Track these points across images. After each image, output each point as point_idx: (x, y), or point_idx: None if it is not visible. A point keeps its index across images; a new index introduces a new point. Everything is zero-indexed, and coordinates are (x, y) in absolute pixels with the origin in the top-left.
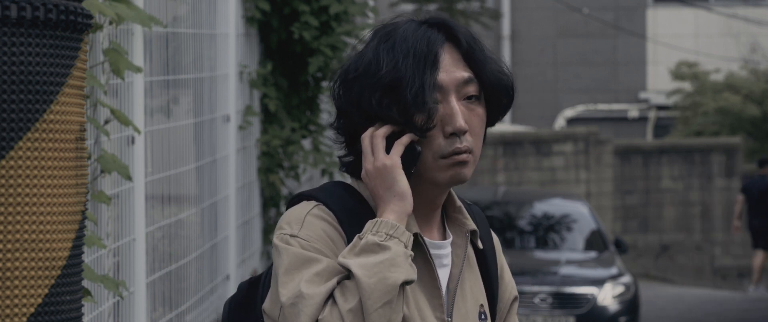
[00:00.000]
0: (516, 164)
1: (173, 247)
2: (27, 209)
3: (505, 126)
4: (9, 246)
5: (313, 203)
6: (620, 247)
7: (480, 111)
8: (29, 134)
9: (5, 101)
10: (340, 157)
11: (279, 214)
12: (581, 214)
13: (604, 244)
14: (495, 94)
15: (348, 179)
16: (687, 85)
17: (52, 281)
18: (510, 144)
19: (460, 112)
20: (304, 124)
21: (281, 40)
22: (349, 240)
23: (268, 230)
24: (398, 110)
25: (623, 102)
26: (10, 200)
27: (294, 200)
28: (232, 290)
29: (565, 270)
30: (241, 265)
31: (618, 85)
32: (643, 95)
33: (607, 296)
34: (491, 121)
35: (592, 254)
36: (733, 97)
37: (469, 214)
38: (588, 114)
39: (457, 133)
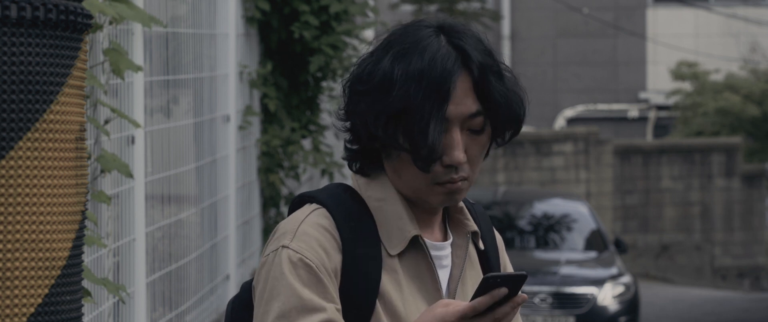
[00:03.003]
0: (516, 164)
1: (173, 247)
2: (27, 209)
3: None
4: (9, 246)
5: (313, 206)
6: (620, 247)
7: (483, 139)
8: (29, 134)
9: (5, 101)
10: (345, 142)
11: (279, 214)
12: (581, 214)
13: (604, 244)
14: (502, 124)
15: (348, 180)
16: (687, 85)
17: (52, 281)
18: (510, 144)
19: (461, 145)
20: (304, 124)
21: (281, 39)
22: (345, 246)
23: (268, 229)
24: (403, 137)
25: (623, 102)
26: (10, 200)
27: (295, 201)
28: (232, 290)
29: (565, 270)
30: (241, 265)
31: (618, 85)
32: (643, 95)
33: (607, 296)
34: (496, 143)
35: (592, 254)
36: (733, 97)
37: (471, 214)
38: (588, 114)
39: (454, 165)
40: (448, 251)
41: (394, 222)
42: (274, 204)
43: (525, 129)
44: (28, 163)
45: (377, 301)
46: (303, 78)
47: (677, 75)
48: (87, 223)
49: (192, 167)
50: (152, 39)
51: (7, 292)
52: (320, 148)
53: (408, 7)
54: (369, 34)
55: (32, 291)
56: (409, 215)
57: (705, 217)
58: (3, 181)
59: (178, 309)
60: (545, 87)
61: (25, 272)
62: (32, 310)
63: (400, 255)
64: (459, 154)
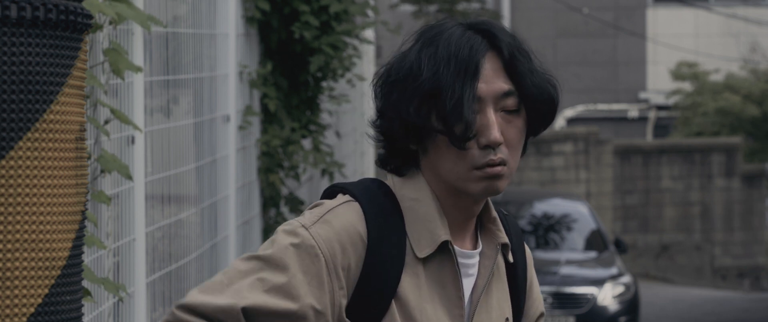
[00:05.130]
0: None
1: (173, 247)
2: (27, 209)
3: None
4: (9, 246)
5: (347, 197)
6: (620, 247)
7: (519, 123)
8: (29, 134)
9: (5, 101)
10: (378, 145)
11: (279, 214)
12: (581, 214)
13: (604, 244)
14: (536, 106)
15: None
16: (687, 86)
17: (52, 281)
18: None
19: (496, 124)
20: (304, 124)
21: (281, 39)
22: (371, 243)
23: (268, 230)
24: (437, 119)
25: (623, 102)
26: (10, 200)
27: (328, 191)
28: None
29: (565, 270)
30: None
31: (618, 85)
32: (643, 95)
33: (607, 296)
34: (533, 131)
35: (592, 254)
36: (733, 98)
37: (504, 225)
38: (588, 114)
39: (492, 146)
40: (476, 260)
41: (425, 224)
42: (274, 204)
43: None
44: (28, 163)
45: (393, 302)
46: (303, 78)
47: (677, 75)
48: (87, 223)
49: (192, 167)
50: (152, 39)
51: (7, 292)
52: (320, 148)
53: (408, 7)
54: (369, 34)
55: (32, 291)
56: (441, 219)
57: (705, 217)
58: (3, 181)
59: None
60: None
61: (25, 272)
62: (32, 310)
63: (426, 259)
64: (495, 133)
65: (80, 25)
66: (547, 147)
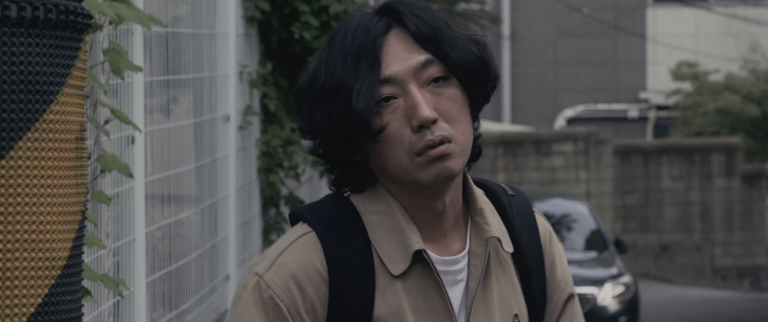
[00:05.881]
0: (516, 164)
1: (173, 247)
2: (27, 209)
3: (505, 126)
4: (9, 246)
5: (303, 228)
6: (620, 247)
7: (452, 92)
8: (29, 134)
9: (5, 101)
10: (328, 174)
11: (279, 214)
12: (581, 214)
13: (604, 244)
14: (469, 71)
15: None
16: (687, 86)
17: (52, 281)
18: (510, 144)
19: (423, 101)
20: None
21: (281, 39)
22: (332, 277)
23: (268, 230)
24: (346, 120)
25: (623, 102)
26: (10, 200)
27: (291, 217)
28: (232, 290)
29: None
30: (241, 265)
31: (618, 85)
32: (643, 95)
33: (607, 296)
34: (477, 99)
35: (592, 254)
36: (733, 98)
37: (506, 209)
38: (588, 114)
39: (425, 125)
40: (462, 264)
41: (394, 237)
42: (274, 204)
43: (525, 129)
44: (28, 163)
45: None
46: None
47: (677, 75)
48: (87, 223)
49: (192, 167)
50: (152, 39)
51: (7, 292)
52: None
53: None
54: None
55: (32, 291)
56: (410, 227)
57: (705, 217)
58: (3, 181)
59: (178, 309)
60: (545, 87)
61: (25, 272)
62: (32, 310)
63: (404, 275)
64: (423, 110)
65: (80, 25)
66: (547, 147)
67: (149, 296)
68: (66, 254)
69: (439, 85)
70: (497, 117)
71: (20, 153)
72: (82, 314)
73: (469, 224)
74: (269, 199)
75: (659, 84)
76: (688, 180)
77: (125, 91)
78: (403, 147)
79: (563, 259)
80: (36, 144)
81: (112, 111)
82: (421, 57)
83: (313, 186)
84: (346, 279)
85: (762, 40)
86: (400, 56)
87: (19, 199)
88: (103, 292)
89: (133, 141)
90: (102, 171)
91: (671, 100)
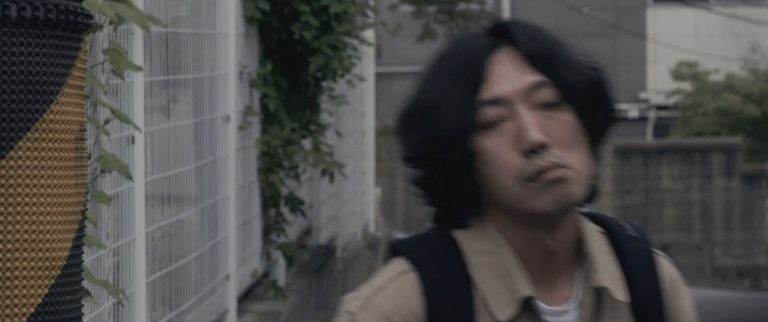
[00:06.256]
0: None
1: (173, 247)
2: (27, 209)
3: None
4: (9, 246)
5: (402, 267)
6: None
7: (565, 117)
8: (29, 134)
9: (5, 101)
10: (431, 212)
11: (279, 214)
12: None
13: None
14: (584, 96)
15: None
16: (687, 86)
17: (52, 281)
18: None
19: (533, 123)
20: (304, 124)
21: (281, 40)
22: (430, 318)
23: (268, 230)
24: (439, 143)
25: (623, 102)
26: (10, 200)
27: (390, 248)
28: (232, 290)
29: None
30: (241, 265)
31: (618, 85)
32: (643, 95)
33: None
34: (595, 128)
35: None
36: (733, 98)
37: (623, 253)
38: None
39: (535, 150)
40: (571, 316)
41: (503, 281)
42: (274, 204)
43: None
44: (28, 163)
45: None
46: (303, 78)
47: (677, 75)
48: (87, 223)
49: (192, 167)
50: (152, 39)
51: (7, 292)
52: (320, 148)
53: (407, 8)
54: (369, 34)
55: (32, 291)
56: (519, 271)
57: (705, 217)
58: (3, 181)
59: (178, 309)
60: None
61: (25, 272)
62: (32, 310)
63: None
64: (533, 133)
65: (80, 25)
66: None
67: (149, 296)
68: (66, 254)
69: (551, 110)
70: None
71: (20, 153)
72: (82, 314)
73: (577, 269)
74: (269, 199)
75: (659, 84)
76: (688, 180)
77: (125, 91)
78: (511, 173)
79: (689, 308)
80: (36, 144)
81: (112, 111)
82: (533, 78)
83: (313, 186)
84: None
85: (762, 40)
86: (509, 75)
87: (19, 199)
88: (103, 292)
89: (133, 141)
90: (102, 171)
91: (671, 100)
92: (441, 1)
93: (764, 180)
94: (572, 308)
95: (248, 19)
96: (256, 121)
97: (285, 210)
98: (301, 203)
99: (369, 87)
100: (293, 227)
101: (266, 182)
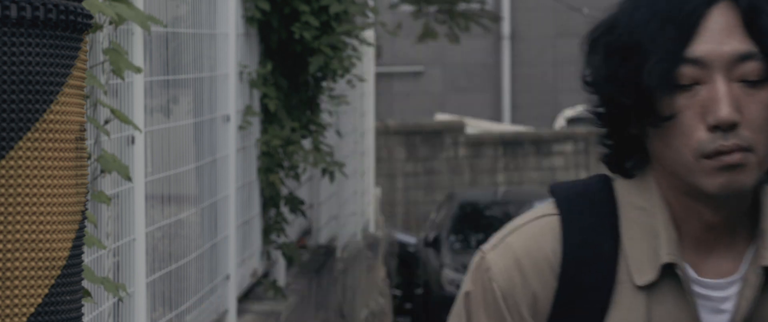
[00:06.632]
0: (516, 164)
1: (173, 247)
2: (27, 209)
3: (505, 126)
4: (9, 246)
5: (547, 209)
6: None
7: (765, 98)
8: (29, 134)
9: (5, 101)
10: (600, 136)
11: (279, 214)
12: None
13: None
14: None
15: None
16: None
17: (52, 281)
18: (510, 144)
19: (728, 98)
20: (304, 124)
21: (281, 40)
22: (565, 270)
23: (268, 230)
24: (631, 91)
25: None
26: (10, 200)
27: (550, 191)
28: (232, 290)
29: None
30: (241, 265)
31: None
32: None
33: None
34: None
35: None
36: None
37: None
38: (588, 114)
39: (721, 127)
40: (730, 291)
41: (648, 241)
42: (274, 204)
43: (525, 129)
44: (28, 163)
45: None
46: (303, 78)
47: None
48: (87, 223)
49: (192, 167)
50: (152, 39)
51: (7, 292)
52: (320, 148)
53: (408, 8)
54: (369, 34)
55: (32, 291)
56: (669, 233)
57: None
58: (3, 181)
59: (178, 309)
60: (545, 87)
61: (25, 272)
62: (32, 310)
63: (651, 288)
64: (725, 109)
65: (80, 25)
66: (547, 147)
67: (149, 296)
68: (66, 254)
69: (752, 88)
70: (497, 117)
71: (20, 153)
72: (82, 314)
73: (751, 245)
74: (269, 199)
75: None
76: None
77: (125, 91)
78: (690, 143)
79: None
80: (36, 144)
81: (112, 111)
82: (742, 48)
83: (313, 186)
84: (581, 276)
85: None
86: (718, 37)
87: (19, 199)
88: (103, 292)
89: (133, 141)
90: (102, 171)
91: None
92: (441, 0)
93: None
94: (732, 282)
95: (248, 19)
96: (256, 121)
97: (285, 210)
98: (301, 202)
99: (369, 87)
100: (293, 227)
101: (266, 182)
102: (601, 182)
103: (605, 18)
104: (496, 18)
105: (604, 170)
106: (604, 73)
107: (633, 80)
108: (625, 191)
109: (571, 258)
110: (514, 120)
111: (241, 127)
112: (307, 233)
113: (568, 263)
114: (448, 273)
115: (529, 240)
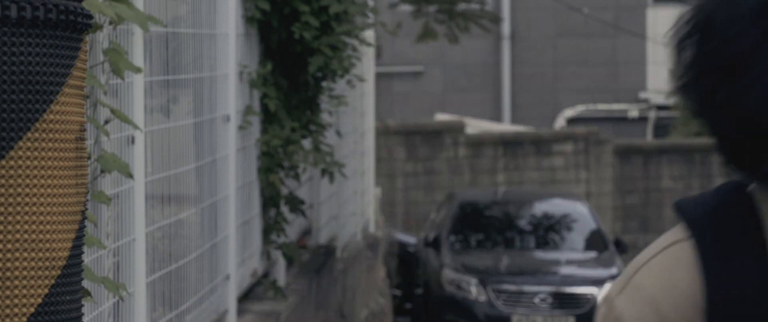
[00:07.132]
0: (516, 164)
1: (173, 247)
2: (27, 209)
3: (505, 126)
4: (9, 246)
5: (677, 235)
6: (620, 247)
7: None
8: (29, 134)
9: (5, 101)
10: (717, 136)
11: (279, 214)
12: (581, 214)
13: (604, 244)
14: None
15: None
16: None
17: (52, 281)
18: (510, 144)
19: None
20: (304, 124)
21: (281, 40)
22: (712, 304)
23: (268, 230)
24: (730, 112)
25: (623, 102)
26: (10, 200)
27: (675, 210)
28: (232, 290)
29: (565, 270)
30: (241, 265)
31: (618, 85)
32: (643, 95)
33: None
34: None
35: (592, 254)
36: None
37: None
38: (588, 114)
39: None
40: None
41: None
42: (274, 204)
43: (525, 129)
44: (28, 163)
45: None
46: (303, 78)
47: None
48: (87, 223)
49: (192, 167)
50: (152, 39)
51: (7, 292)
52: (320, 148)
53: (407, 8)
54: (369, 34)
55: (32, 291)
56: None
57: None
58: (3, 181)
59: (178, 309)
60: (545, 87)
61: (25, 272)
62: (32, 310)
63: None
64: None
65: (80, 25)
66: (547, 147)
67: (149, 296)
68: (66, 254)
69: None
70: (497, 117)
71: (20, 153)
72: (82, 314)
73: None
74: (269, 199)
75: (659, 84)
76: (688, 180)
77: (125, 91)
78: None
79: None
80: (36, 144)
81: (112, 111)
82: None
83: (313, 186)
84: (732, 308)
85: None
86: None
87: (19, 199)
88: (103, 292)
89: (133, 141)
90: (102, 171)
91: (671, 100)
92: (441, 0)
93: None
94: None
95: (248, 19)
96: (256, 121)
97: (285, 210)
98: (301, 202)
99: (369, 87)
100: (293, 227)
101: (266, 182)
102: (735, 192)
103: (699, 14)
104: (496, 19)
105: (732, 177)
106: (704, 92)
107: (732, 102)
108: (764, 198)
109: (716, 289)
110: (514, 120)
111: (241, 127)
112: (307, 233)
113: (714, 297)
114: (448, 273)
115: (661, 276)
